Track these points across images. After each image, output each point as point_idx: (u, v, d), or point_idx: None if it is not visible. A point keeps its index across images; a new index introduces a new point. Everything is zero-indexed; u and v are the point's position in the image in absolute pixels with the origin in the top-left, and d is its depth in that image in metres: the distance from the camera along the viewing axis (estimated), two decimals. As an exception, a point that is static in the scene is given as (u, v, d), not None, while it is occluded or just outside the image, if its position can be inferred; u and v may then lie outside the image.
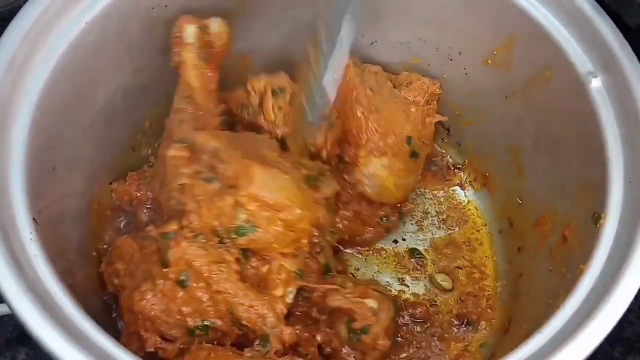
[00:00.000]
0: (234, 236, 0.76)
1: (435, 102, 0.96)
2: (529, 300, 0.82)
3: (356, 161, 0.88)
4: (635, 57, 0.74)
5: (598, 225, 0.69)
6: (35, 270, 0.63)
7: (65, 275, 0.67)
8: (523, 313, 0.82)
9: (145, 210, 0.89)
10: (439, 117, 0.96)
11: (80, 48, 0.77)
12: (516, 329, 0.81)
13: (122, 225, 0.89)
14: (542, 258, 0.82)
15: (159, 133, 0.94)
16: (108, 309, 0.84)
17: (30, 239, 0.65)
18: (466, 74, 0.93)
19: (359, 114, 0.88)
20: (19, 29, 0.73)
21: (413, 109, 0.91)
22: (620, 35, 0.75)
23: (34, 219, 0.66)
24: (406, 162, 0.90)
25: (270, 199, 0.75)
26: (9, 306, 0.60)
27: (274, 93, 0.91)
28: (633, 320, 0.91)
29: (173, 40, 0.85)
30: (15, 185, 0.67)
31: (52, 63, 0.75)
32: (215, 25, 0.86)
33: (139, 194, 0.89)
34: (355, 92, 0.88)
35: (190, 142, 0.80)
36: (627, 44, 0.75)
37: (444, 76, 0.96)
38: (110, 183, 0.90)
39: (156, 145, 0.94)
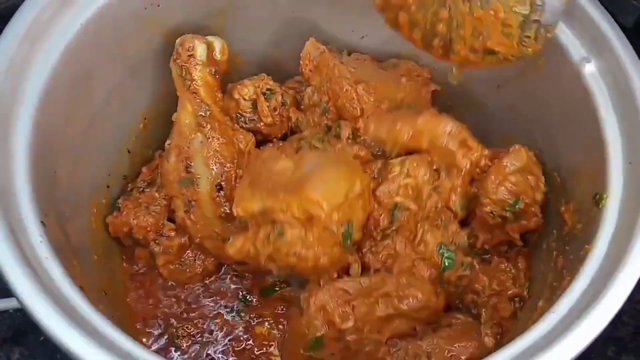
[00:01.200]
0: None
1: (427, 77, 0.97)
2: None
3: (357, 132, 0.89)
4: (626, 40, 0.75)
5: (600, 206, 0.70)
6: (47, 272, 0.63)
7: (76, 275, 0.67)
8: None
9: (154, 240, 0.88)
10: (434, 87, 0.97)
11: (77, 50, 0.77)
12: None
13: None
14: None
15: (153, 135, 0.94)
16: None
17: (41, 242, 0.64)
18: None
19: (347, 87, 0.89)
20: (14, 32, 0.73)
21: (404, 80, 0.93)
22: (612, 19, 0.77)
23: (42, 222, 0.66)
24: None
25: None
26: (26, 309, 0.59)
27: (265, 95, 0.92)
28: (626, 320, 0.92)
29: (180, 58, 0.85)
30: (22, 189, 0.67)
31: (50, 67, 0.75)
32: (218, 43, 0.88)
33: (137, 222, 0.88)
34: (337, 70, 0.89)
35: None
36: (618, 27, 0.76)
37: (435, 67, 0.96)
38: (105, 217, 0.89)
39: (150, 151, 0.95)
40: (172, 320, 0.88)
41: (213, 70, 0.86)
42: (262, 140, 0.93)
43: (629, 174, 0.71)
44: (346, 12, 0.94)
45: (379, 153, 0.87)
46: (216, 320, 0.89)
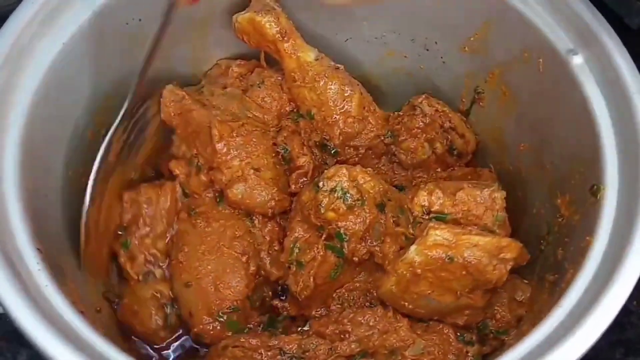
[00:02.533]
0: None
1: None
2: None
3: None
4: (612, 30, 0.76)
5: (598, 197, 0.71)
6: (47, 300, 0.62)
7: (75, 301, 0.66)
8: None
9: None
10: None
11: (58, 70, 0.76)
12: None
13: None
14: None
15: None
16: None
17: (39, 270, 0.63)
18: (444, 62, 0.94)
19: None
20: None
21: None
22: (596, 11, 0.77)
23: (38, 249, 0.65)
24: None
25: None
26: (31, 339, 0.59)
27: (253, 85, 0.92)
28: (635, 322, 0.92)
29: None
30: (15, 216, 0.66)
31: (32, 89, 0.73)
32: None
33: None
34: (196, 115, 0.87)
35: None
36: (603, 18, 0.76)
37: (422, 67, 0.97)
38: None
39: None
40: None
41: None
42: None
43: (623, 162, 0.71)
44: (330, 16, 0.94)
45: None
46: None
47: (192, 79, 0.95)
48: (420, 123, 0.92)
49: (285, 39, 0.88)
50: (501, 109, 0.91)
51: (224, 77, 0.94)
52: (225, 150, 0.85)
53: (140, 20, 0.84)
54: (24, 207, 0.67)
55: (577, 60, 0.77)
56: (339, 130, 0.89)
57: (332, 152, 0.90)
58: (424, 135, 0.92)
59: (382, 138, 0.92)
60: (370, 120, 0.91)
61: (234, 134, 0.86)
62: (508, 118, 0.90)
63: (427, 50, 0.94)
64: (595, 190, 0.71)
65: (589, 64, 0.77)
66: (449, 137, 0.93)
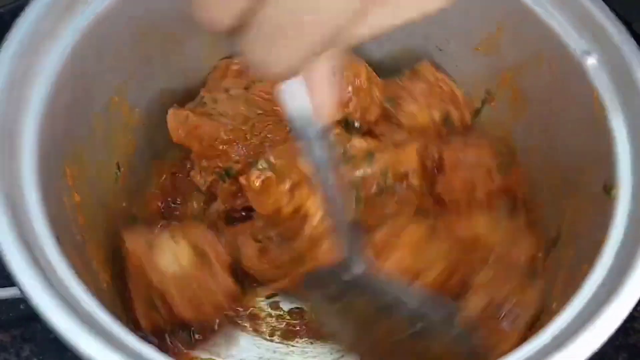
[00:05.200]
0: None
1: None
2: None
3: None
4: (627, 32, 0.77)
5: (612, 196, 0.71)
6: (66, 287, 0.63)
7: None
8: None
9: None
10: None
11: (76, 59, 0.76)
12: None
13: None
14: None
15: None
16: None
17: (60, 261, 0.64)
18: (456, 65, 0.95)
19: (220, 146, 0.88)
20: (12, 45, 0.71)
21: None
22: (610, 13, 0.78)
23: (59, 241, 0.65)
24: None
25: None
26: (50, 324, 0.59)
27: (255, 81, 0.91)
28: (638, 328, 0.93)
29: None
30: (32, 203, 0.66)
31: (51, 77, 0.73)
32: None
33: None
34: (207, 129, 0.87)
35: None
36: (618, 20, 0.77)
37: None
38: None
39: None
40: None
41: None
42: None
43: (637, 163, 0.72)
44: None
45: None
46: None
47: (192, 92, 0.94)
48: (423, 87, 0.93)
49: None
50: (512, 110, 0.91)
51: (224, 78, 0.94)
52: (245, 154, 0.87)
53: (158, 11, 0.84)
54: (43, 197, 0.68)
55: (591, 61, 0.78)
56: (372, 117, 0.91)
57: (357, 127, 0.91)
58: (426, 100, 0.93)
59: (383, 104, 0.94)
60: (376, 91, 0.93)
61: (248, 136, 0.86)
62: (519, 118, 0.91)
63: (440, 50, 0.95)
64: (608, 189, 0.72)
65: (603, 65, 0.77)
66: (447, 108, 0.94)
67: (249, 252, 0.84)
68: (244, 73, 0.93)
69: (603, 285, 0.66)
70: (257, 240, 0.84)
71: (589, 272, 0.68)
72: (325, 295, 0.77)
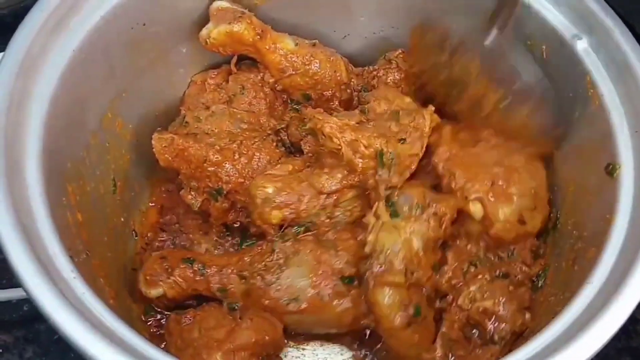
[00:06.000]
0: None
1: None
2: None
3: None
4: (616, 15, 0.78)
5: (615, 176, 0.72)
6: (84, 304, 0.62)
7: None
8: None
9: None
10: None
11: (70, 77, 0.75)
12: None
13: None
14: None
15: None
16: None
17: (74, 277, 0.63)
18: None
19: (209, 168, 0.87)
20: (8, 67, 0.70)
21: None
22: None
23: (70, 256, 0.65)
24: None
25: None
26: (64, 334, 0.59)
27: (236, 94, 0.91)
28: None
29: None
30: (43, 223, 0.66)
31: (47, 98, 0.73)
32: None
33: None
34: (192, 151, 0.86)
35: None
36: (606, 4, 0.78)
37: (420, 60, 0.97)
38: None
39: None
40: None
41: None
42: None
43: (637, 141, 0.73)
44: (329, 12, 0.95)
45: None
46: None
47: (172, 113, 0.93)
48: (396, 77, 0.94)
49: (263, 37, 0.88)
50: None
51: (203, 93, 0.93)
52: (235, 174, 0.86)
53: (144, 24, 0.84)
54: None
55: (582, 45, 0.79)
56: (337, 101, 0.92)
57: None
58: (400, 88, 0.94)
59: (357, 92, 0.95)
60: (353, 80, 0.95)
61: (237, 156, 0.86)
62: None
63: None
64: (610, 170, 0.73)
65: (595, 48, 0.78)
66: (420, 94, 0.93)
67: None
68: (223, 86, 0.92)
69: (607, 282, 0.66)
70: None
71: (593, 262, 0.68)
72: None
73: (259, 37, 0.88)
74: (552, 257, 0.83)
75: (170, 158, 0.86)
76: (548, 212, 0.83)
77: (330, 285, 0.80)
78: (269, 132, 0.91)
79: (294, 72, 0.90)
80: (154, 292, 0.83)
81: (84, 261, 0.72)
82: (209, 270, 0.83)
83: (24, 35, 0.72)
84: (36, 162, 0.69)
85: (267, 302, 0.81)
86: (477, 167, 0.80)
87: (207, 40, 0.88)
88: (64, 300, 0.59)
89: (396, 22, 0.95)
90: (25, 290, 0.59)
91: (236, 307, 0.82)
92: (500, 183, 0.78)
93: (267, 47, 0.89)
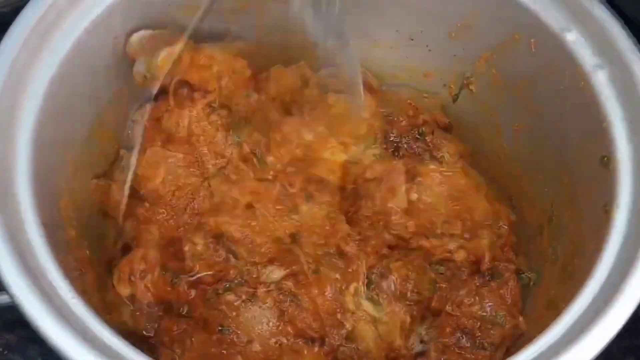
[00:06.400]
0: None
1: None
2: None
3: None
4: (604, 5, 0.77)
5: (611, 168, 0.72)
6: (45, 275, 0.63)
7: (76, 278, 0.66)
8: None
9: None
10: None
11: (57, 85, 0.74)
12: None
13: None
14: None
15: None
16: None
17: (42, 243, 0.64)
18: (429, 50, 0.94)
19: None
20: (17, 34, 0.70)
21: None
22: (621, 22, 0.77)
23: (43, 223, 0.65)
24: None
25: None
26: (27, 315, 0.60)
27: None
28: None
29: None
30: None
31: (37, 105, 0.71)
32: None
33: None
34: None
35: None
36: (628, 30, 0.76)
37: (407, 57, 0.96)
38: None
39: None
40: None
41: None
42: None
43: (632, 132, 0.73)
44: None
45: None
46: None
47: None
48: None
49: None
50: (493, 92, 0.91)
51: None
52: None
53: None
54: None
55: (571, 37, 0.78)
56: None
57: None
58: None
59: None
60: None
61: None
62: (501, 100, 0.91)
63: (412, 40, 0.94)
64: (605, 162, 0.73)
65: (584, 38, 0.77)
66: None
67: None
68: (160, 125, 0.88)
69: (609, 278, 0.66)
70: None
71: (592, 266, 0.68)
72: None
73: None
74: (549, 250, 0.83)
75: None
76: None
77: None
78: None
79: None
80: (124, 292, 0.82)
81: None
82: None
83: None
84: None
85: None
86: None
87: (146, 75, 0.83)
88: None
89: (383, 19, 0.94)
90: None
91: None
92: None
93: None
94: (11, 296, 0.59)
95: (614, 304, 0.62)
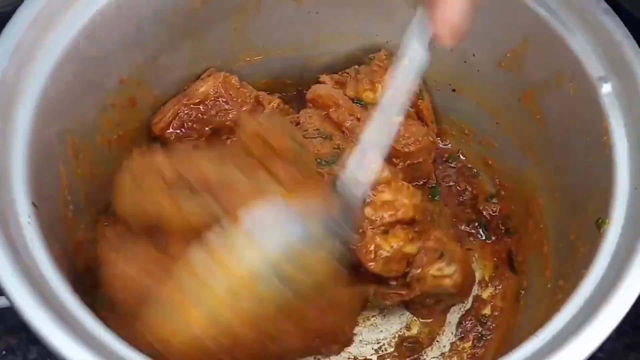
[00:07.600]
0: None
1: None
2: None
3: None
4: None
5: (602, 231, 0.69)
6: (31, 255, 0.63)
7: (62, 261, 0.66)
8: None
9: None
10: None
11: (90, 35, 0.77)
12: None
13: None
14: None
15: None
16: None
17: (28, 223, 0.64)
18: (478, 71, 0.92)
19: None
20: (26, 14, 0.72)
21: None
22: (633, 41, 0.75)
23: (33, 203, 0.66)
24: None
25: None
26: (7, 295, 0.60)
27: None
28: None
29: None
30: (17, 171, 0.67)
31: (60, 49, 0.74)
32: None
33: None
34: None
35: None
36: (638, 48, 0.74)
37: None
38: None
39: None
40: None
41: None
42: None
43: (633, 199, 0.70)
44: (372, 13, 0.93)
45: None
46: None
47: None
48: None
49: None
50: (528, 130, 0.89)
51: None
52: None
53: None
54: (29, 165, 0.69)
55: (606, 90, 0.75)
56: None
57: None
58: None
59: None
60: None
61: None
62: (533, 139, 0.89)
63: (465, 62, 0.93)
64: (600, 224, 0.70)
65: (617, 94, 0.74)
66: None
67: None
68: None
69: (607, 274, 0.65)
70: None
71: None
72: None
73: None
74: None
75: None
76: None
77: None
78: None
79: None
80: None
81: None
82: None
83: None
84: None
85: None
86: None
87: None
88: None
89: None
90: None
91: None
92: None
93: None
94: (7, 298, 0.60)
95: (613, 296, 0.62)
